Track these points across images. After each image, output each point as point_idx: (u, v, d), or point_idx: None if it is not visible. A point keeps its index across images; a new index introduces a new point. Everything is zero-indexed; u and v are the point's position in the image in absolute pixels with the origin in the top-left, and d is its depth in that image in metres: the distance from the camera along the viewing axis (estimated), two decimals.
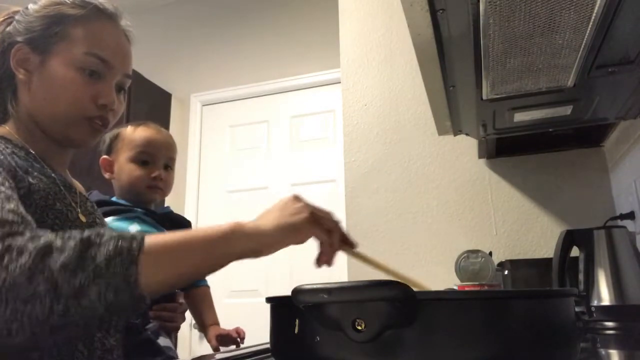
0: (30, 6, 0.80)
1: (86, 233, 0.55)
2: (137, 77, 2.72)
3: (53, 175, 0.76)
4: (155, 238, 0.57)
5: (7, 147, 0.72)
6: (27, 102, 0.78)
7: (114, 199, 1.26)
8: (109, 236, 0.55)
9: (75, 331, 0.54)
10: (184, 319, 1.25)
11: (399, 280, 0.63)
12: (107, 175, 1.27)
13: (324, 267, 0.69)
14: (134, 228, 1.22)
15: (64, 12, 0.78)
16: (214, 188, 2.99)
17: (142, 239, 0.56)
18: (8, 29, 0.80)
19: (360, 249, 0.71)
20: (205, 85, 3.10)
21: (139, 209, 1.24)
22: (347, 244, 0.70)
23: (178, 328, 1.21)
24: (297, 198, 0.67)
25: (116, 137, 1.27)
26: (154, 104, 2.90)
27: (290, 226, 0.63)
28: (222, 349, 1.31)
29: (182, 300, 1.26)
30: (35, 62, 0.77)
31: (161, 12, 3.27)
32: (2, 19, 0.82)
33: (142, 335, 0.97)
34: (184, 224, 1.36)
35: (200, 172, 3.04)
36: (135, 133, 1.26)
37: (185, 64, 3.15)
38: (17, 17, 0.80)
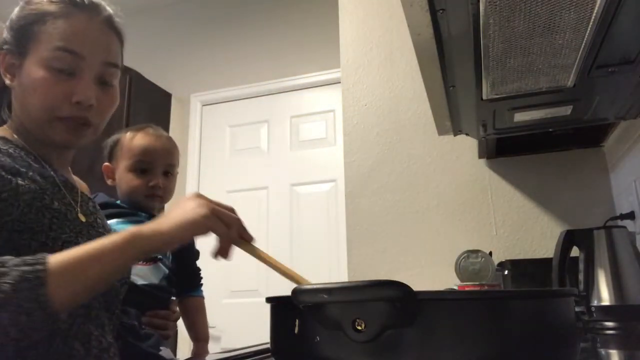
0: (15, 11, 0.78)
1: None
2: (137, 77, 2.72)
3: (52, 175, 0.76)
4: (59, 257, 0.59)
5: (4, 147, 0.72)
6: (16, 107, 0.78)
7: (118, 202, 1.26)
8: (13, 264, 0.57)
9: None
10: (175, 328, 1.23)
11: (295, 278, 0.66)
12: (109, 182, 1.27)
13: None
14: None
15: (38, 11, 0.76)
16: (214, 188, 2.99)
17: (46, 261, 0.58)
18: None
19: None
20: (205, 85, 3.09)
21: (143, 214, 1.24)
22: (244, 238, 0.72)
23: (169, 336, 1.19)
24: (199, 196, 0.70)
25: (116, 144, 1.26)
26: (154, 104, 2.89)
27: (190, 222, 0.66)
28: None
29: (176, 308, 1.24)
30: (17, 66, 0.76)
31: (161, 12, 3.27)
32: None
33: (144, 346, 0.97)
34: None
35: (200, 172, 3.04)
36: (134, 141, 1.25)
37: (185, 64, 3.15)
38: (5, 24, 0.79)
